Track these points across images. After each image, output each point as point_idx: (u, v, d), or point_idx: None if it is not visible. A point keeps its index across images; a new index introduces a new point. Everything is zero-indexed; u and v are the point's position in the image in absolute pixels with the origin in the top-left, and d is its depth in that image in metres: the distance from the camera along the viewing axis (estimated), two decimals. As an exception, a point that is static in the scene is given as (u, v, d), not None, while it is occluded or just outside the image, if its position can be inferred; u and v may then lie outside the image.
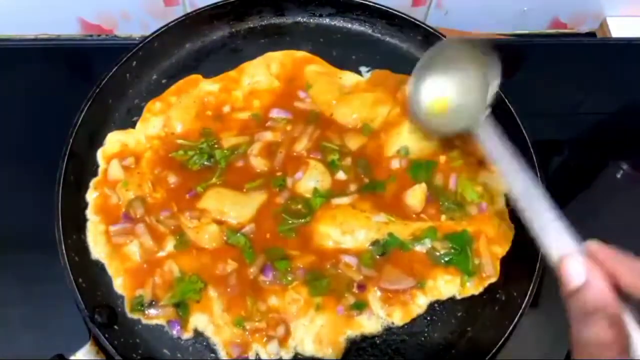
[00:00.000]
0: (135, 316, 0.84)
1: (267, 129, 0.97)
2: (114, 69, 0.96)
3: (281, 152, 0.95)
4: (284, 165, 0.94)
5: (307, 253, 0.88)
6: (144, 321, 0.84)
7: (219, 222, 0.89)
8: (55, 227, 0.84)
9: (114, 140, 0.95)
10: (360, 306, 0.85)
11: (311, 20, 1.09)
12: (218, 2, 1.05)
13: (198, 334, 0.84)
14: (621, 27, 1.29)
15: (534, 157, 0.94)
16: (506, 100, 0.98)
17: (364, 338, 0.85)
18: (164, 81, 1.02)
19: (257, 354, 0.83)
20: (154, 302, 0.84)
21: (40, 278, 0.91)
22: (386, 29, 1.08)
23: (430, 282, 0.88)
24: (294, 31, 1.08)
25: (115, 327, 0.83)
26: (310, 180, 0.92)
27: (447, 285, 0.88)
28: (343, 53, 1.06)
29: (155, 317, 0.84)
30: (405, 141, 0.95)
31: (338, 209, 0.91)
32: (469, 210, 0.92)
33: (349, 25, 1.09)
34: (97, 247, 0.87)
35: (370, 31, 1.09)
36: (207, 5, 1.04)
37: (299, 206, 0.91)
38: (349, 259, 0.88)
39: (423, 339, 0.86)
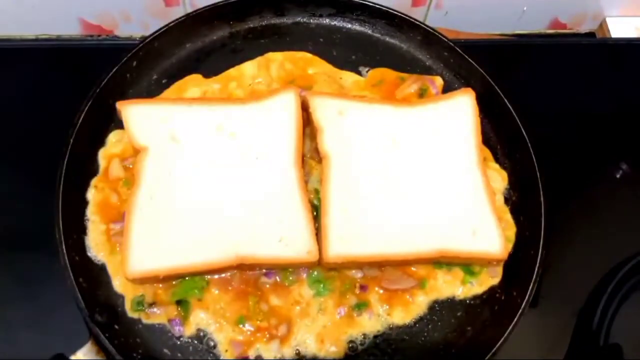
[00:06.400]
0: (135, 316, 0.84)
1: (267, 129, 0.97)
2: (115, 69, 0.96)
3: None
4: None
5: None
6: (145, 321, 0.84)
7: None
8: (55, 227, 0.84)
9: (114, 140, 0.95)
10: (362, 306, 0.86)
11: (311, 20, 1.09)
12: (218, 3, 1.05)
13: (199, 333, 0.84)
14: (620, 28, 1.29)
15: (534, 157, 0.94)
16: (506, 100, 0.98)
17: (365, 337, 0.85)
18: (164, 81, 1.02)
19: (258, 353, 0.83)
20: (154, 302, 0.84)
21: (40, 278, 0.91)
22: (386, 29, 1.09)
23: (431, 281, 0.88)
24: (294, 31, 1.08)
25: (116, 326, 0.83)
26: (312, 181, 0.92)
27: (447, 285, 0.89)
28: (343, 53, 1.06)
29: (156, 316, 0.84)
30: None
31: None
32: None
33: (349, 25, 1.09)
34: (97, 246, 0.87)
35: (370, 31, 1.09)
36: (207, 6, 1.04)
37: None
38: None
39: (423, 338, 0.86)
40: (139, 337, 0.84)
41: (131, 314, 0.84)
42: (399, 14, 1.06)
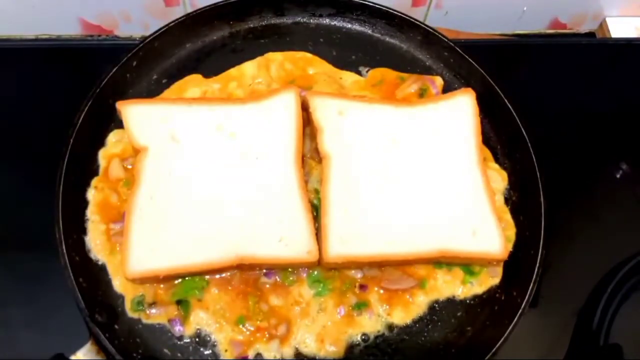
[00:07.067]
0: (135, 316, 0.84)
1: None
2: (114, 69, 0.96)
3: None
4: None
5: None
6: (145, 321, 0.84)
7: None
8: (55, 227, 0.84)
9: (114, 140, 0.95)
10: (362, 306, 0.86)
11: (311, 20, 1.09)
12: (218, 2, 1.05)
13: (199, 333, 0.84)
14: (620, 28, 1.29)
15: (534, 157, 0.94)
16: (506, 100, 0.98)
17: (365, 337, 0.85)
18: (164, 81, 1.02)
19: (258, 353, 0.83)
20: (154, 302, 0.84)
21: (40, 278, 0.91)
22: (386, 29, 1.09)
23: (431, 281, 0.88)
24: (294, 31, 1.08)
25: (115, 326, 0.83)
26: (312, 181, 0.92)
27: (447, 285, 0.89)
28: (343, 53, 1.06)
29: (156, 316, 0.84)
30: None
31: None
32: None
33: (349, 25, 1.09)
34: (97, 246, 0.87)
35: (370, 31, 1.09)
36: (208, 6, 1.04)
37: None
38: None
39: (423, 338, 0.87)
40: (139, 337, 0.84)
41: (131, 314, 0.84)
42: (399, 14, 1.06)
